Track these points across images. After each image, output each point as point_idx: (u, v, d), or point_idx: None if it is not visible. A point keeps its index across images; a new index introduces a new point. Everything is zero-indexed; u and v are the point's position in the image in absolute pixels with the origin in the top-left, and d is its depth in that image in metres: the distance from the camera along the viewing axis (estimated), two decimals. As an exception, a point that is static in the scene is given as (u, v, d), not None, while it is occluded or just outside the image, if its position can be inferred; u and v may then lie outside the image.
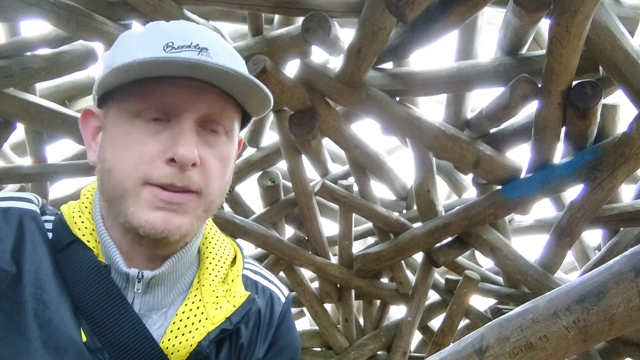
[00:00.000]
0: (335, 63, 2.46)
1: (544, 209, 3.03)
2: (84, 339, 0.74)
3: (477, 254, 3.24)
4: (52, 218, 0.82)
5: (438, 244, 2.78)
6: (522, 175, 2.47)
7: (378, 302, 3.35)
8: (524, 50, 2.27)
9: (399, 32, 2.27)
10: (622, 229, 2.60)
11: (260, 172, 3.07)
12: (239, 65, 0.80)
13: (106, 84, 0.75)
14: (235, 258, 0.92)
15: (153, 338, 0.76)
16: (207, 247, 0.89)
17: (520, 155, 2.56)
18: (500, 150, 2.49)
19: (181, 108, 0.74)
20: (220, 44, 0.78)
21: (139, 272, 0.77)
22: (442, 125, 2.43)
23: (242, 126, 0.87)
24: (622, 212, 2.38)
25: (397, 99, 2.40)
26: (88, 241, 0.79)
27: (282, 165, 3.11)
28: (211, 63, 0.70)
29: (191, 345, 0.78)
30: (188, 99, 0.74)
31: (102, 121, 0.80)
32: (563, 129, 2.27)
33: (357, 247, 3.32)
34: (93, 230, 0.81)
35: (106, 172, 0.76)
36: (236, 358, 0.85)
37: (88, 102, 3.19)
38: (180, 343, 0.77)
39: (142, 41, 0.76)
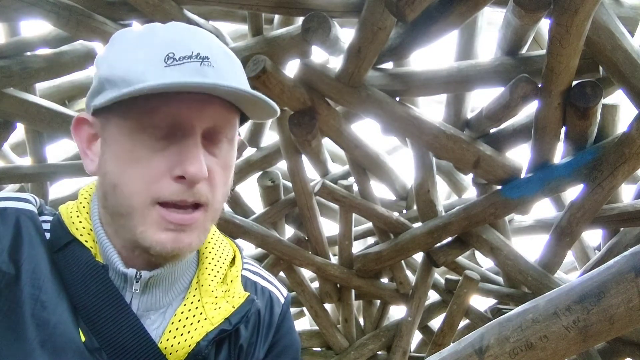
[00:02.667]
0: (335, 63, 2.46)
1: (544, 209, 3.02)
2: (83, 338, 0.73)
3: (477, 254, 3.24)
4: (50, 218, 0.82)
5: (438, 244, 2.77)
6: (522, 175, 2.46)
7: (378, 302, 3.35)
8: (524, 50, 2.27)
9: (399, 32, 2.27)
10: (622, 229, 2.60)
11: (260, 172, 3.07)
12: (237, 68, 0.79)
13: (107, 101, 0.72)
14: (234, 258, 0.92)
15: (151, 338, 0.76)
16: (206, 248, 0.88)
17: (520, 155, 2.56)
18: (500, 150, 2.49)
19: (187, 123, 0.73)
20: (219, 48, 0.77)
21: (136, 272, 0.77)
22: (442, 125, 2.42)
23: (240, 124, 0.86)
24: (622, 212, 2.37)
25: (397, 99, 2.39)
26: (86, 241, 0.79)
27: (282, 165, 3.10)
28: (223, 86, 0.70)
29: (190, 346, 0.77)
30: (193, 114, 0.73)
31: (99, 130, 0.77)
32: (563, 129, 2.27)
33: (357, 247, 3.32)
34: (91, 230, 0.80)
35: (111, 187, 0.75)
36: (235, 359, 0.84)
37: (88, 102, 3.18)
38: (178, 343, 0.77)
39: (141, 51, 0.73)
